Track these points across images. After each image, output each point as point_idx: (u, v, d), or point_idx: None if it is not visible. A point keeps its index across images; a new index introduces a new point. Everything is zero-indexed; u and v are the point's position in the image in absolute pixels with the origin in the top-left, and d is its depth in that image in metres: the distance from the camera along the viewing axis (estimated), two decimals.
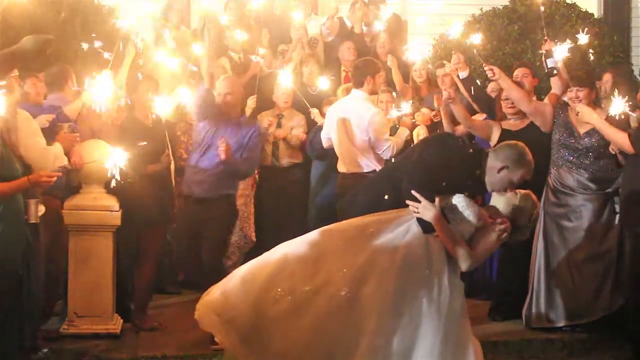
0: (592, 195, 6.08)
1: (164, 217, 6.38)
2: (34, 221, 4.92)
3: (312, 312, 3.96)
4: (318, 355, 3.94)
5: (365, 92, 6.55)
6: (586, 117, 5.87)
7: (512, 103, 6.36)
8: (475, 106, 7.07)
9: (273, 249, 4.25)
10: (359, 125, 6.44)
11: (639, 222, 5.63)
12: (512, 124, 6.39)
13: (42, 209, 5.11)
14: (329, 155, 7.01)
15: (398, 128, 6.89)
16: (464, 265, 4.07)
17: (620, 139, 5.70)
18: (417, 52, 7.58)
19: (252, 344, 3.98)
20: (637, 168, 5.65)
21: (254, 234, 7.57)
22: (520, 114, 6.39)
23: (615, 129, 5.77)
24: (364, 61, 6.77)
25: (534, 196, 4.30)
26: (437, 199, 4.14)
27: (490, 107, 6.86)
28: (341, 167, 6.56)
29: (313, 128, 7.41)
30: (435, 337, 3.95)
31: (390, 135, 6.61)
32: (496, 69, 6.20)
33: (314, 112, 7.43)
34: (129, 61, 6.56)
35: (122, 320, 6.11)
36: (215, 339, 4.08)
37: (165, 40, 7.80)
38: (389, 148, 6.44)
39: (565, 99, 6.26)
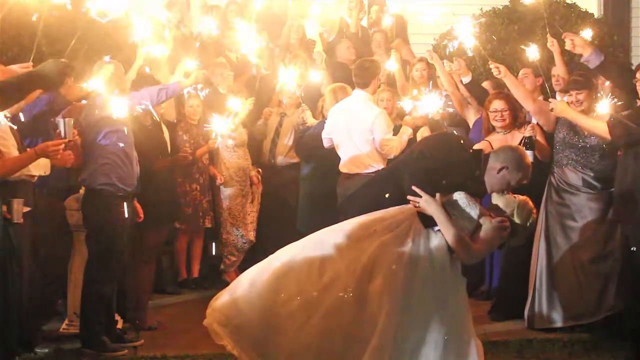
0: (597, 194, 6.06)
1: (168, 217, 6.40)
2: (17, 221, 4.91)
3: (322, 311, 3.98)
4: (331, 356, 3.96)
5: (369, 92, 6.58)
6: (561, 112, 5.90)
7: (502, 115, 6.33)
8: (474, 109, 7.08)
9: (279, 250, 4.26)
10: (362, 125, 6.46)
11: (629, 221, 5.65)
12: (498, 139, 6.27)
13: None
14: (317, 156, 7.04)
15: (401, 127, 6.90)
16: (465, 259, 4.10)
17: (598, 128, 5.76)
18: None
19: (264, 349, 4.00)
20: (629, 166, 5.67)
21: (251, 233, 7.58)
22: (510, 128, 6.37)
23: (593, 119, 5.83)
24: (370, 61, 6.80)
25: (530, 203, 4.33)
26: (438, 195, 4.17)
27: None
28: (343, 167, 6.57)
29: (301, 129, 7.44)
30: (440, 331, 3.99)
31: (394, 135, 6.63)
32: (502, 67, 6.21)
33: (307, 115, 7.45)
34: (138, 65, 6.57)
35: (122, 320, 6.11)
36: (226, 347, 4.05)
37: (165, 40, 7.81)
38: (392, 148, 6.45)
39: (565, 99, 6.25)
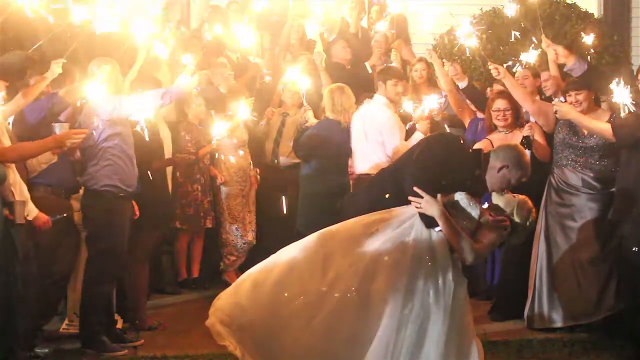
0: (597, 194, 6.06)
1: (163, 219, 6.38)
2: (19, 222, 4.90)
3: (325, 311, 3.98)
4: (334, 355, 3.96)
5: (385, 96, 6.65)
6: (565, 114, 5.91)
7: (504, 115, 6.35)
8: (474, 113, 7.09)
9: (281, 250, 4.25)
10: (373, 127, 6.59)
11: (629, 220, 5.66)
12: (499, 138, 6.27)
13: (34, 212, 5.09)
14: (316, 156, 7.05)
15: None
16: (467, 259, 4.11)
17: (603, 130, 5.80)
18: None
19: (268, 349, 4.00)
20: (631, 166, 5.68)
21: (250, 233, 7.57)
22: (511, 127, 6.39)
23: (597, 121, 5.85)
24: (386, 67, 7.01)
25: (530, 202, 4.35)
26: (439, 196, 4.18)
27: None
28: (357, 169, 6.72)
29: (300, 129, 7.44)
30: (442, 330, 4.00)
31: (406, 139, 6.68)
32: (501, 68, 6.23)
33: (309, 114, 7.46)
34: (139, 66, 6.56)
35: (122, 320, 6.11)
36: (228, 347, 4.04)
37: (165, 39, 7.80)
38: (399, 152, 6.48)
39: (561, 99, 6.26)
